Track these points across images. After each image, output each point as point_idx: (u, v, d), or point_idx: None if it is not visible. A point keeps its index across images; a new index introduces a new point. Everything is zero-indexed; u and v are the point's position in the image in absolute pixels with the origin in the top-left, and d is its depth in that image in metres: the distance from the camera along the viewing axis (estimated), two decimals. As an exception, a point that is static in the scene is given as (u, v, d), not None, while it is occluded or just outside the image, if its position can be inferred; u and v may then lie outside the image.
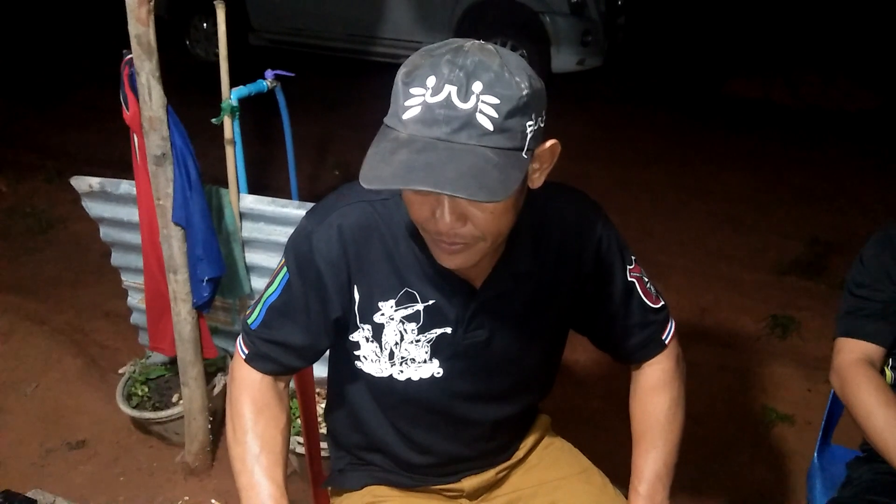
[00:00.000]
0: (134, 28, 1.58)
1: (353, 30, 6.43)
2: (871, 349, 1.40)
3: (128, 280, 2.37)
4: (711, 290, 3.31)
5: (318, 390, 1.91)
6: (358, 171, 0.83)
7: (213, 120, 1.92)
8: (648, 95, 6.49)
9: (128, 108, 1.71)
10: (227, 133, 1.96)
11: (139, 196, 1.85)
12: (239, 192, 2.04)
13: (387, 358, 1.10)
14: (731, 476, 2.26)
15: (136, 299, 2.39)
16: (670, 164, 4.95)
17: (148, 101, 1.65)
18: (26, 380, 2.64)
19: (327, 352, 1.20)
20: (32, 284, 3.33)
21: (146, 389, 2.33)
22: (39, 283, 3.36)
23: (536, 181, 0.95)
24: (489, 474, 1.27)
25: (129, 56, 1.65)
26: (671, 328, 1.22)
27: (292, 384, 1.29)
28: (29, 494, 1.11)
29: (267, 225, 2.07)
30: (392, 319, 1.08)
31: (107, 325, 3.02)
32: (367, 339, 1.10)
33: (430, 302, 1.06)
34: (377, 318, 1.08)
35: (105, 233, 2.24)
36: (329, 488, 1.35)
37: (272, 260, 2.10)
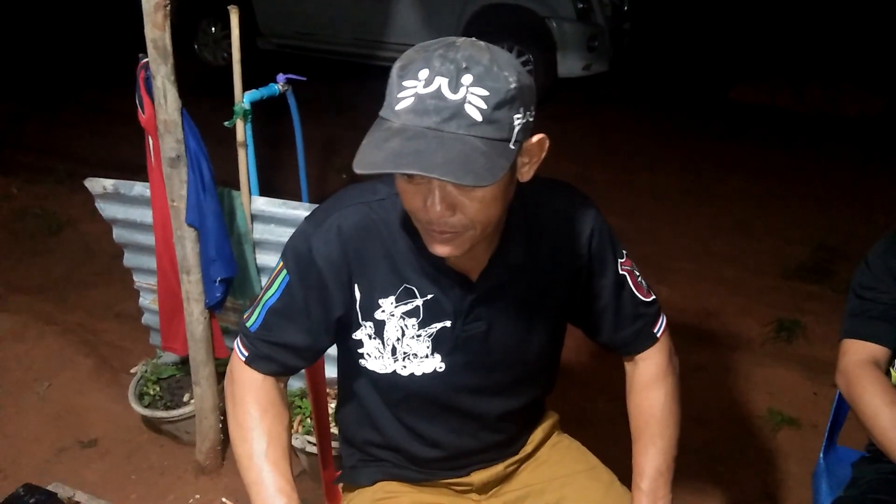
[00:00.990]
0: (150, 32, 1.61)
1: (360, 34, 6.47)
2: (877, 350, 1.41)
3: (140, 281, 2.40)
4: (716, 294, 3.33)
5: (328, 390, 1.93)
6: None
7: (226, 123, 1.95)
8: (654, 100, 6.51)
9: (143, 111, 1.74)
10: (240, 136, 1.98)
11: (153, 197, 1.88)
12: (251, 195, 2.06)
13: (389, 354, 1.13)
14: (737, 478, 2.27)
15: (147, 300, 2.42)
16: (675, 168, 4.97)
17: (163, 105, 1.68)
18: (39, 379, 2.67)
19: (336, 353, 1.23)
20: (44, 285, 3.37)
21: (158, 389, 2.36)
22: (50, 283, 3.40)
23: (526, 174, 0.98)
24: (498, 468, 1.29)
25: (145, 60, 1.68)
26: (662, 322, 1.26)
27: (304, 384, 1.31)
28: (49, 488, 1.13)
29: (277, 227, 2.10)
30: (393, 316, 1.11)
31: (118, 325, 3.05)
32: (370, 337, 1.13)
33: (429, 296, 1.09)
34: (378, 314, 1.11)
35: (118, 234, 2.27)
36: (341, 485, 1.37)
37: (283, 261, 2.12)
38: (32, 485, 1.13)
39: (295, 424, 2.05)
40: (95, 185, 2.13)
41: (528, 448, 1.33)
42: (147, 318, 2.50)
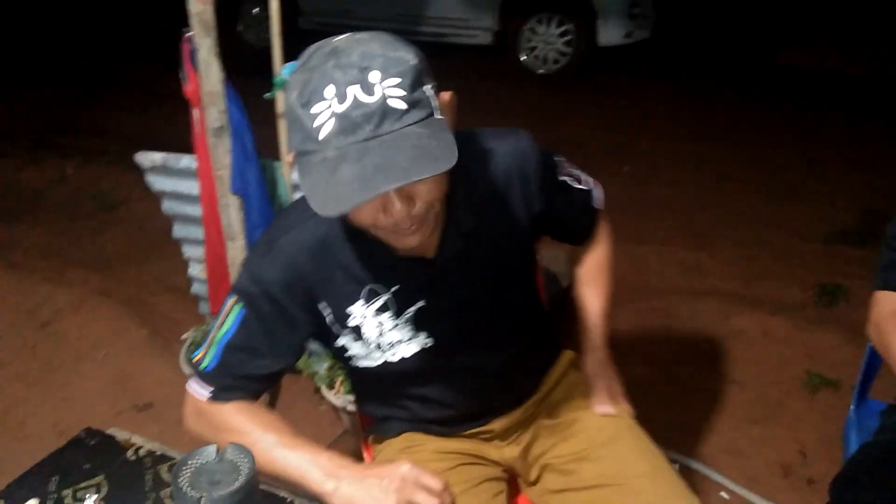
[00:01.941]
0: (194, 6, 1.68)
1: (401, 9, 6.49)
2: None
3: (188, 251, 2.51)
4: (758, 259, 3.30)
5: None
6: None
7: (266, 95, 2.01)
8: (699, 69, 6.39)
9: (188, 84, 1.82)
10: (280, 107, 2.05)
11: (200, 167, 1.97)
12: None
13: (375, 348, 1.16)
14: (774, 438, 2.28)
15: (196, 269, 2.53)
16: (721, 136, 4.90)
17: (207, 76, 1.75)
18: (97, 347, 2.81)
19: None
20: (98, 261, 3.52)
21: (208, 354, 2.46)
22: (104, 259, 3.55)
23: None
24: (516, 414, 1.34)
25: (189, 34, 1.76)
26: (599, 192, 1.36)
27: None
28: (108, 432, 1.22)
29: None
30: (366, 317, 1.13)
31: (169, 298, 3.17)
32: (352, 341, 1.16)
33: (395, 288, 1.12)
34: (352, 322, 1.13)
35: (167, 206, 2.37)
36: (370, 437, 1.43)
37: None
38: (92, 428, 1.22)
39: (337, 385, 2.13)
40: (145, 159, 2.23)
41: (543, 390, 1.37)
42: (196, 288, 2.61)
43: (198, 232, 2.29)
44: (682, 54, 6.73)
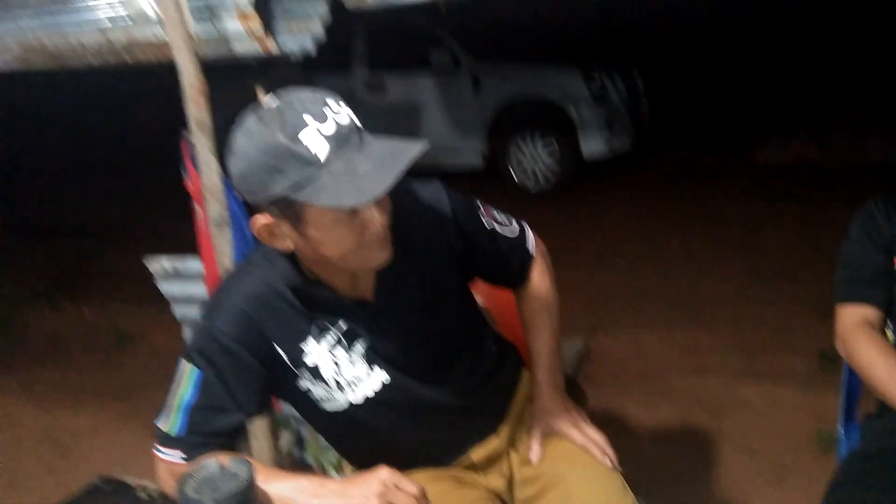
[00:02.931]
0: (193, 111, 1.87)
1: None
2: (869, 312, 1.50)
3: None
4: (757, 335, 3.35)
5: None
6: None
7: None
8: (681, 171, 6.67)
9: (188, 179, 1.97)
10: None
11: (203, 258, 2.08)
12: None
13: (336, 389, 1.22)
14: (791, 499, 2.24)
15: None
16: (709, 229, 5.04)
17: (207, 173, 1.91)
18: (116, 465, 2.78)
19: None
20: (116, 390, 3.54)
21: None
22: (122, 388, 3.56)
23: None
24: (493, 442, 1.37)
25: (188, 136, 1.93)
26: (531, 237, 1.42)
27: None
28: (122, 479, 1.25)
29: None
30: (321, 354, 1.20)
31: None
32: (313, 382, 1.22)
33: (342, 324, 1.20)
34: (308, 360, 1.20)
35: (178, 311, 2.47)
36: None
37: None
38: (107, 476, 1.26)
39: (344, 466, 2.13)
40: (155, 264, 2.35)
41: (513, 413, 1.41)
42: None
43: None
44: (664, 162, 7.03)
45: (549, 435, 1.36)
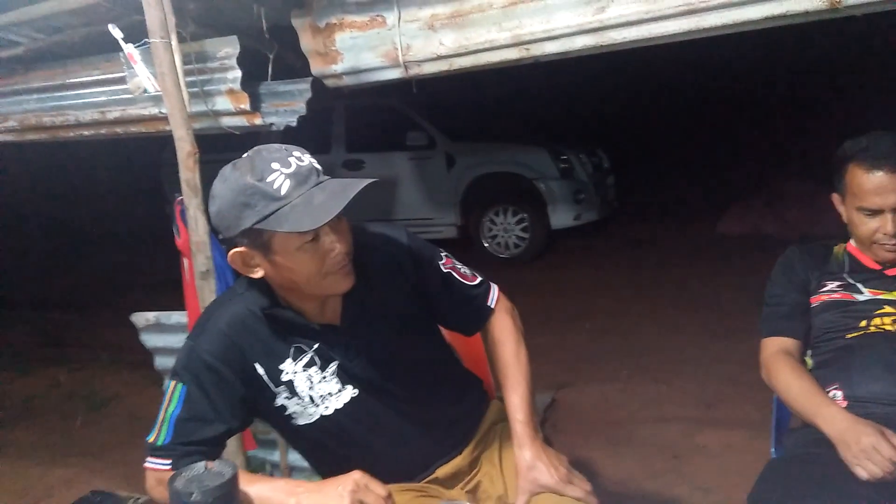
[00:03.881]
0: (184, 174, 2.08)
1: (373, 213, 7.10)
2: (788, 343, 1.69)
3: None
4: (714, 387, 3.52)
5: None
6: None
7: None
8: (645, 241, 6.97)
9: (179, 236, 2.16)
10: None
11: (189, 308, 2.25)
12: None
13: (309, 403, 1.37)
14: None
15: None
16: (671, 293, 5.28)
17: (195, 229, 2.10)
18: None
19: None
20: (90, 449, 3.60)
21: None
22: (96, 448, 3.63)
23: None
24: (458, 460, 1.50)
25: (180, 197, 2.13)
26: (494, 293, 1.53)
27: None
28: (112, 492, 1.38)
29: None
30: (296, 373, 1.35)
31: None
32: (288, 398, 1.36)
33: (315, 346, 1.36)
34: (284, 377, 1.35)
35: (159, 362, 2.61)
36: None
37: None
38: (98, 490, 1.39)
39: None
40: (139, 318, 2.51)
41: (479, 434, 1.54)
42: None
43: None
44: (629, 231, 7.34)
45: (537, 493, 1.38)
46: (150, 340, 2.54)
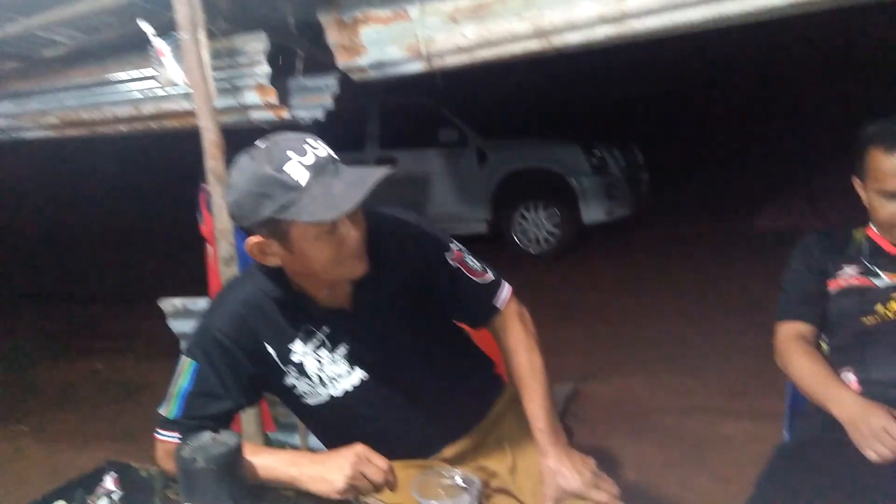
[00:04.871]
0: (209, 163, 2.15)
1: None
2: (802, 328, 1.69)
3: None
4: (742, 379, 3.48)
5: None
6: None
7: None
8: (679, 239, 6.89)
9: (203, 224, 2.24)
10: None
11: (212, 293, 2.31)
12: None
13: (319, 383, 1.39)
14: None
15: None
16: (702, 288, 5.22)
17: (219, 216, 2.17)
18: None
19: None
20: (122, 434, 3.71)
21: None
22: (128, 433, 3.71)
23: None
24: (464, 441, 1.51)
25: (205, 186, 2.20)
26: (503, 294, 1.51)
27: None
28: (126, 462, 1.45)
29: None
30: (306, 354, 1.37)
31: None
32: (297, 378, 1.38)
33: (326, 329, 1.37)
34: (294, 357, 1.37)
35: (185, 347, 2.68)
36: None
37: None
38: (112, 460, 1.45)
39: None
40: (167, 304, 2.59)
41: (489, 418, 1.56)
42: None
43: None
44: (663, 227, 7.27)
45: (562, 499, 1.38)
46: (178, 326, 2.63)
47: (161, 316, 2.92)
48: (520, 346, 1.50)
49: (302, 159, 1.20)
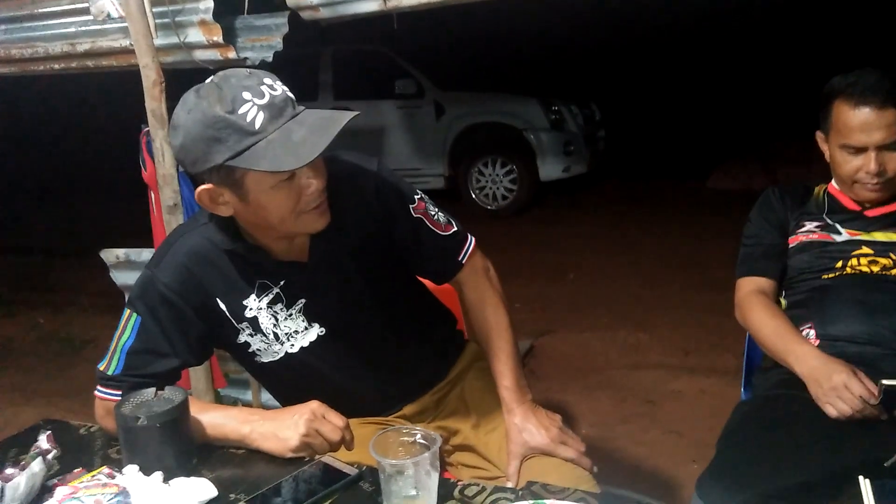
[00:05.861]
0: (150, 104, 2.01)
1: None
2: (763, 283, 1.67)
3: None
4: (694, 336, 3.53)
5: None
6: None
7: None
8: (634, 197, 6.93)
9: (146, 169, 2.11)
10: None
11: (157, 244, 2.20)
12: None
13: (274, 340, 1.31)
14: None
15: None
16: (656, 247, 5.26)
17: (162, 162, 2.04)
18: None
19: None
20: (65, 390, 3.59)
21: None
22: (71, 389, 3.61)
23: None
24: (425, 398, 1.47)
25: (146, 129, 2.07)
26: (467, 249, 1.43)
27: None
28: (63, 420, 1.36)
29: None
30: (261, 309, 1.28)
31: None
32: (252, 335, 1.30)
33: (282, 282, 1.28)
34: (248, 313, 1.28)
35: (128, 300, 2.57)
36: None
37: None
38: (49, 419, 1.36)
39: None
40: (109, 255, 2.46)
41: (450, 376, 1.51)
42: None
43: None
44: (619, 186, 7.30)
45: (528, 456, 1.34)
46: (121, 278, 2.50)
47: (100, 268, 2.78)
48: (485, 303, 1.43)
49: (258, 100, 1.09)
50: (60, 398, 3.45)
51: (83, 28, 2.73)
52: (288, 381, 1.42)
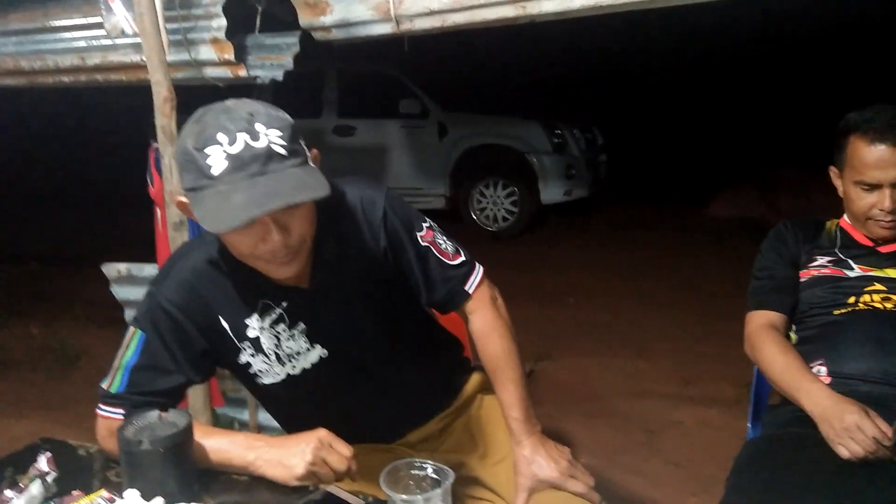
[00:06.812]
0: (160, 120, 2.00)
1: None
2: (774, 317, 1.65)
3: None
4: (694, 365, 3.52)
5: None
6: None
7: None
8: (635, 222, 6.93)
9: (153, 185, 2.09)
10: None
11: (160, 260, 2.18)
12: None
13: (276, 361, 1.29)
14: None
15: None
16: (656, 273, 5.26)
17: (170, 178, 2.03)
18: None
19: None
20: (58, 402, 3.55)
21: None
22: (64, 401, 3.57)
23: None
24: (430, 426, 1.45)
25: (155, 145, 2.06)
26: (475, 278, 1.39)
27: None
28: (62, 440, 1.33)
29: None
30: (263, 329, 1.26)
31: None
32: (253, 355, 1.28)
33: (284, 304, 1.26)
34: (250, 332, 1.27)
35: (130, 315, 2.54)
36: None
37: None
38: (48, 437, 1.33)
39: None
40: (111, 269, 2.44)
41: (456, 403, 1.49)
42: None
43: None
44: (620, 211, 7.31)
45: (536, 489, 1.33)
46: (122, 292, 2.48)
47: (103, 280, 2.76)
48: (493, 333, 1.40)
49: (228, 148, 1.04)
50: (53, 410, 3.40)
51: (94, 42, 2.74)
52: (289, 404, 1.40)
